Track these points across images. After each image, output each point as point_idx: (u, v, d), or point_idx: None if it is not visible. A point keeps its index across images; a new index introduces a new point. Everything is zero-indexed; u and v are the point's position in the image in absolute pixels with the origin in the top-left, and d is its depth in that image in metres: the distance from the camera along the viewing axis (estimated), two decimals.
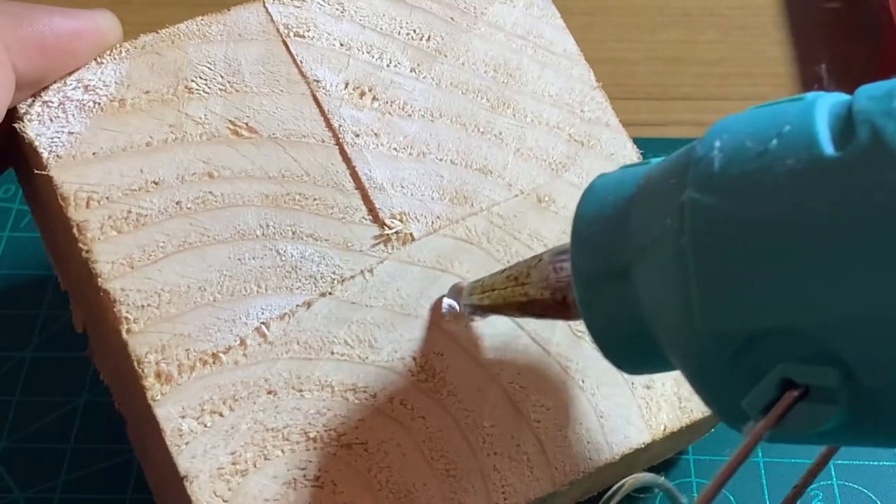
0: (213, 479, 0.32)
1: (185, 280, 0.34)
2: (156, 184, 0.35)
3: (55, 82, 0.35)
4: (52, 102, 0.35)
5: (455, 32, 0.40)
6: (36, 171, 0.34)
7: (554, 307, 0.32)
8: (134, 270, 0.34)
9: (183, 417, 0.32)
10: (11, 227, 0.50)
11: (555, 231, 0.38)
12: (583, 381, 0.36)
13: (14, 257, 0.49)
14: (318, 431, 0.33)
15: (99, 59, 0.36)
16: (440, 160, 0.38)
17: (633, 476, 0.30)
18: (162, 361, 0.33)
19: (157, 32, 0.37)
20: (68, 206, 0.34)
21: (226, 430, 0.33)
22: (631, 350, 0.29)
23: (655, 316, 0.27)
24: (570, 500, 0.38)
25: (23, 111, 0.35)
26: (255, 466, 0.32)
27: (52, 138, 0.35)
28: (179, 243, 0.34)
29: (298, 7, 0.39)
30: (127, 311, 0.33)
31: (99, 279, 0.33)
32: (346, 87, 0.38)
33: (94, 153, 0.35)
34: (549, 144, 0.39)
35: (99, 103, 0.35)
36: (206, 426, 0.32)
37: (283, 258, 0.35)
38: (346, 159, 0.37)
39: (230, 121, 0.36)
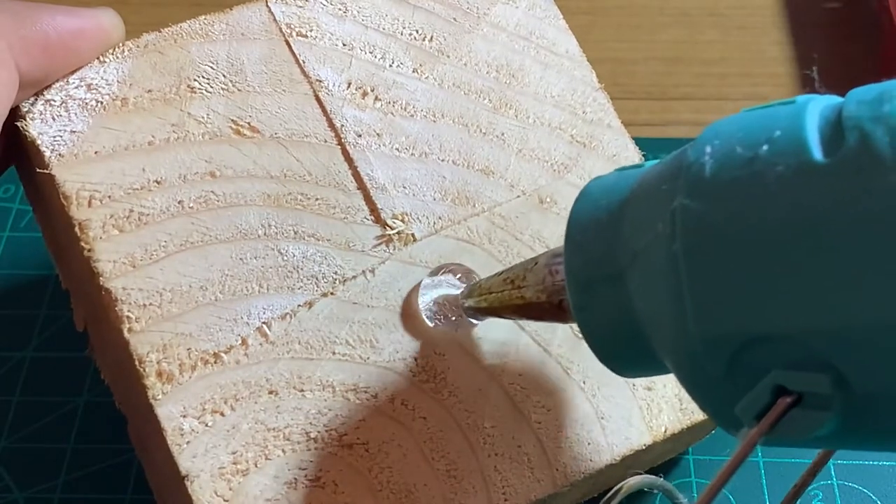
0: (213, 478, 0.32)
1: (187, 279, 0.34)
2: (158, 183, 0.35)
3: (58, 81, 0.35)
4: (54, 101, 0.35)
5: (458, 33, 0.40)
6: (38, 170, 0.34)
7: (550, 311, 0.32)
8: (136, 269, 0.34)
9: (184, 417, 0.32)
10: (11, 227, 0.50)
11: (557, 232, 0.37)
12: (584, 383, 0.36)
13: (14, 257, 0.49)
14: (319, 431, 0.33)
15: (101, 58, 0.36)
16: (442, 161, 0.38)
17: (632, 477, 0.30)
18: (163, 360, 0.33)
19: (160, 31, 0.37)
20: (70, 205, 0.34)
21: (227, 429, 0.33)
22: (626, 354, 0.29)
23: (649, 321, 0.27)
24: (570, 501, 0.37)
25: (25, 110, 0.35)
26: (255, 466, 0.32)
27: (54, 137, 0.35)
28: (181, 242, 0.34)
29: (301, 7, 0.39)
30: (128, 311, 0.33)
31: (101, 278, 0.33)
32: (349, 87, 0.38)
33: (96, 152, 0.35)
34: (551, 145, 0.39)
35: (101, 102, 0.35)
36: (207, 425, 0.32)
37: (285, 258, 0.35)
38: (349, 159, 0.37)
39: (232, 120, 0.36)
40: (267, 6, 0.38)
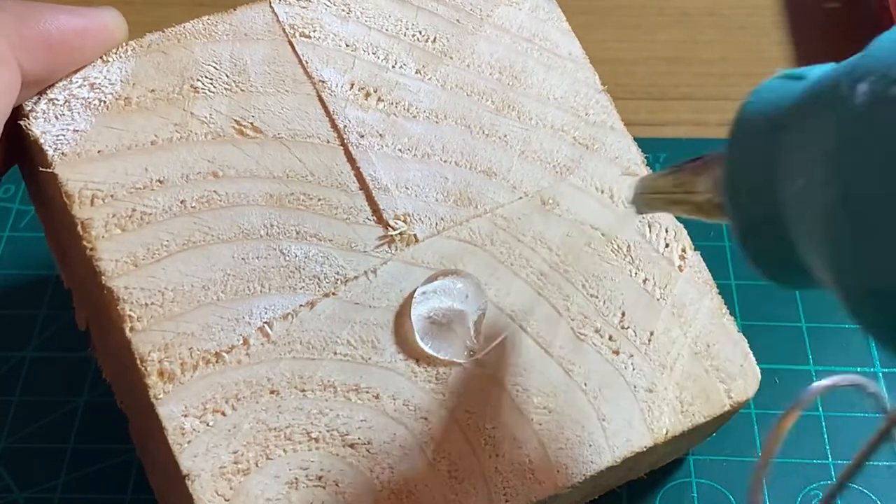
0: (214, 477, 0.32)
1: (189, 279, 0.34)
2: (160, 182, 0.35)
3: (61, 80, 0.35)
4: (57, 100, 0.35)
5: (461, 34, 0.40)
6: (41, 169, 0.35)
7: (720, 212, 0.29)
8: (138, 269, 0.34)
9: (185, 416, 0.32)
10: (11, 227, 0.50)
11: (559, 233, 0.37)
12: (585, 384, 0.36)
13: (14, 257, 0.49)
14: (320, 431, 0.33)
15: (105, 58, 0.36)
16: (445, 162, 0.38)
17: (820, 381, 0.29)
18: (165, 360, 0.33)
19: (164, 31, 0.37)
20: (73, 204, 0.34)
21: (228, 429, 0.33)
22: (788, 279, 0.28)
23: (811, 263, 0.25)
24: (570, 503, 0.37)
25: (28, 109, 0.35)
26: (256, 466, 0.32)
27: (57, 136, 0.35)
28: (183, 242, 0.34)
29: (304, 7, 0.39)
30: (130, 310, 0.33)
31: (102, 277, 0.33)
32: (352, 87, 0.38)
33: (99, 151, 0.35)
34: (553, 147, 0.39)
35: (104, 101, 0.35)
36: (208, 425, 0.32)
37: (287, 258, 0.35)
38: (351, 160, 0.37)
39: (235, 120, 0.36)
40: (270, 7, 0.38)
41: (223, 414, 0.33)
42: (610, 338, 0.36)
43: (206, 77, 0.37)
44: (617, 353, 0.36)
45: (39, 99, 0.35)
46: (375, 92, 0.38)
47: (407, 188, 0.37)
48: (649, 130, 0.54)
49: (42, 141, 0.34)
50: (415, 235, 0.36)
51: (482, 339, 0.35)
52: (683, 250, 0.38)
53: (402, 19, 0.40)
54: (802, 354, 0.46)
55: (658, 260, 0.38)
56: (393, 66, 0.39)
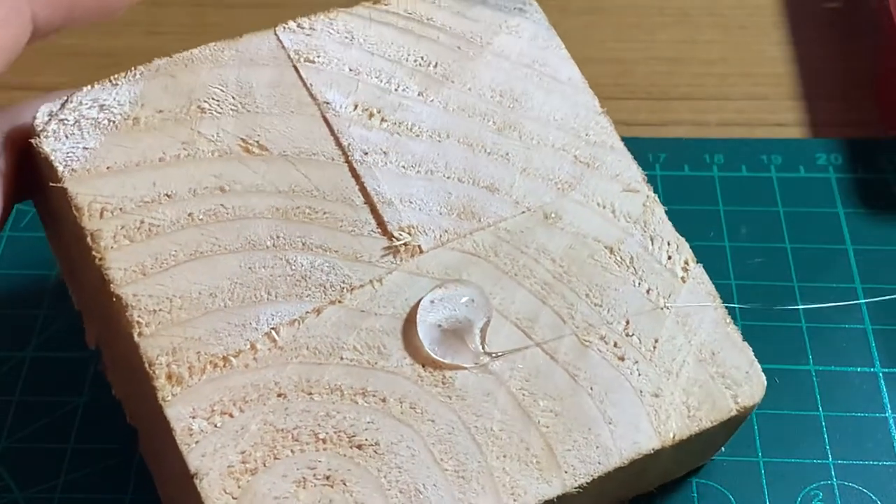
0: (222, 476, 0.32)
1: (197, 287, 0.34)
2: (168, 196, 0.36)
3: (70, 101, 0.36)
4: (67, 120, 0.36)
5: (461, 60, 0.41)
6: (51, 184, 0.35)
7: None
8: (146, 277, 0.34)
9: (193, 417, 0.33)
10: (11, 227, 0.50)
11: (562, 245, 0.38)
12: (591, 389, 0.36)
13: (14, 257, 0.49)
14: (327, 433, 0.33)
15: (114, 80, 0.37)
16: (448, 178, 0.38)
17: None
18: (173, 363, 0.33)
19: (171, 57, 0.38)
20: (82, 217, 0.35)
21: (236, 430, 0.33)
22: None
23: None
24: None
25: (39, 128, 0.36)
26: (264, 465, 0.32)
27: (67, 153, 0.35)
28: (191, 252, 0.35)
29: (308, 35, 0.40)
30: (139, 316, 0.34)
31: (111, 285, 0.34)
32: (355, 108, 0.39)
33: (108, 167, 0.36)
34: (555, 165, 0.40)
35: (113, 121, 0.36)
36: (216, 426, 0.33)
37: (293, 267, 0.35)
38: (356, 175, 0.37)
39: (241, 139, 0.37)
40: (275, 34, 0.39)
41: (231, 416, 0.33)
42: (615, 344, 0.37)
43: (213, 98, 0.38)
44: (622, 359, 0.36)
45: (50, 119, 0.36)
46: (379, 112, 0.39)
47: (411, 202, 0.37)
48: (649, 130, 0.54)
49: (52, 158, 0.35)
50: (419, 246, 0.37)
51: (488, 345, 0.36)
52: (686, 262, 0.39)
53: (403, 46, 0.41)
54: (803, 354, 0.46)
55: (661, 271, 0.38)
56: (396, 89, 0.40)
